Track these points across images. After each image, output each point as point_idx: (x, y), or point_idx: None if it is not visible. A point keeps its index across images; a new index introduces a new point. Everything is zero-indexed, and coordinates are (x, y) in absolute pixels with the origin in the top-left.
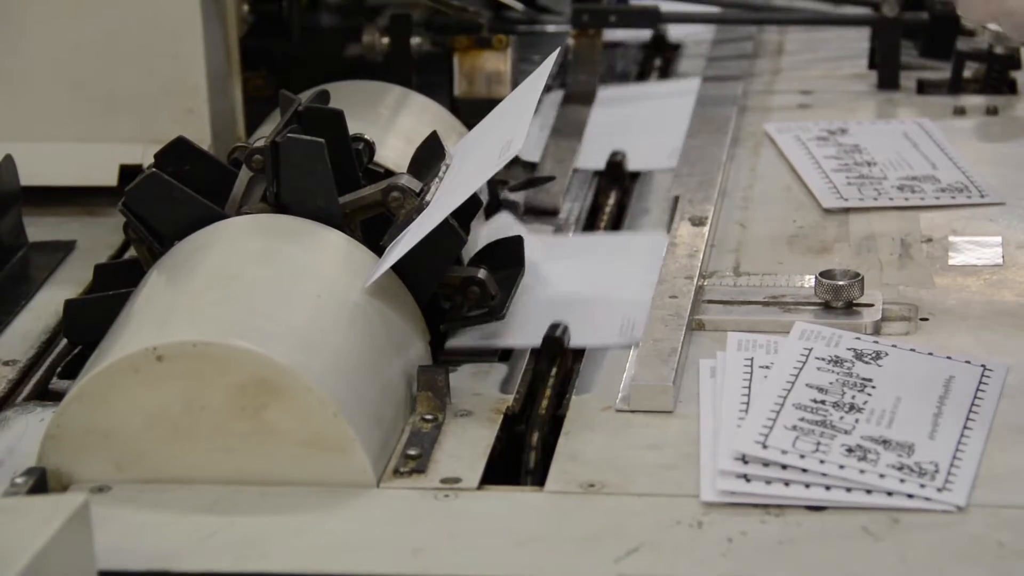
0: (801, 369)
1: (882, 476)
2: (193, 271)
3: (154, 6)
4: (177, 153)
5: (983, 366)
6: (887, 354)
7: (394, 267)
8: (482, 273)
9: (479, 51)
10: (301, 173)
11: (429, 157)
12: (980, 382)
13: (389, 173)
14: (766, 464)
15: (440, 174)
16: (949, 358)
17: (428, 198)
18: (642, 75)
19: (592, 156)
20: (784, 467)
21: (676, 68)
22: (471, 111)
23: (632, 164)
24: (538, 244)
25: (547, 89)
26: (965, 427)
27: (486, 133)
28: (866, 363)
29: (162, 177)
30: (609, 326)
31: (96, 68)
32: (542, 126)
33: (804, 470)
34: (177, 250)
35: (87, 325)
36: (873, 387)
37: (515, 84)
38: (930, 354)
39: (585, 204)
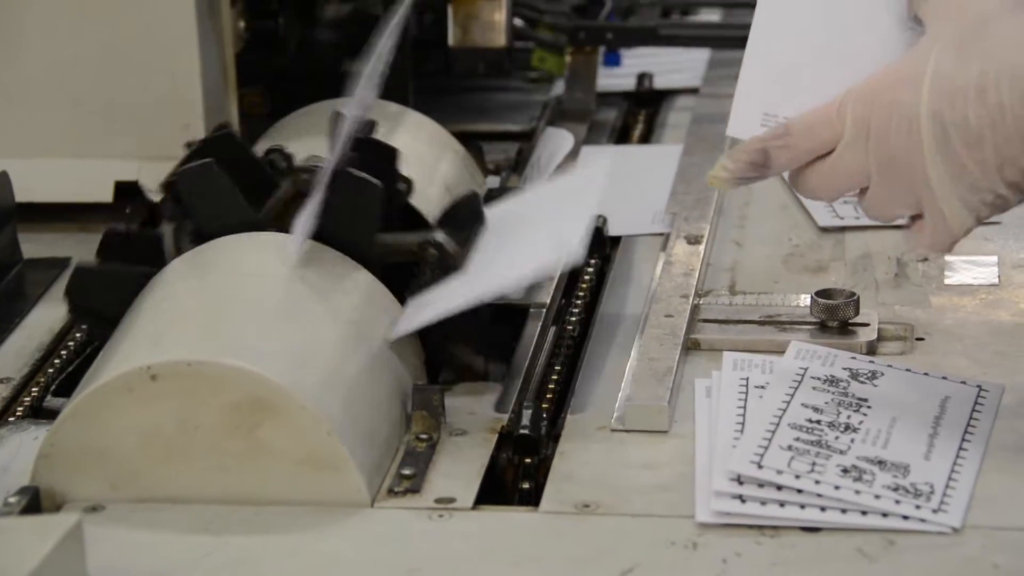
0: (797, 389)
1: (877, 497)
2: (189, 289)
3: (150, 22)
4: (222, 144)
5: (979, 386)
6: (883, 374)
7: (332, 242)
8: (439, 235)
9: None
10: (208, 200)
11: (464, 217)
12: (976, 402)
13: (424, 222)
14: (761, 485)
15: (476, 240)
16: (945, 378)
17: (459, 262)
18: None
19: None
20: (779, 488)
21: (662, 119)
22: (466, 60)
23: (614, 229)
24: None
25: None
26: (961, 448)
27: (528, 210)
28: (861, 383)
29: (218, 171)
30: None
31: (92, 84)
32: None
33: (799, 491)
34: (174, 266)
35: (92, 295)
36: (869, 407)
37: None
38: (926, 374)
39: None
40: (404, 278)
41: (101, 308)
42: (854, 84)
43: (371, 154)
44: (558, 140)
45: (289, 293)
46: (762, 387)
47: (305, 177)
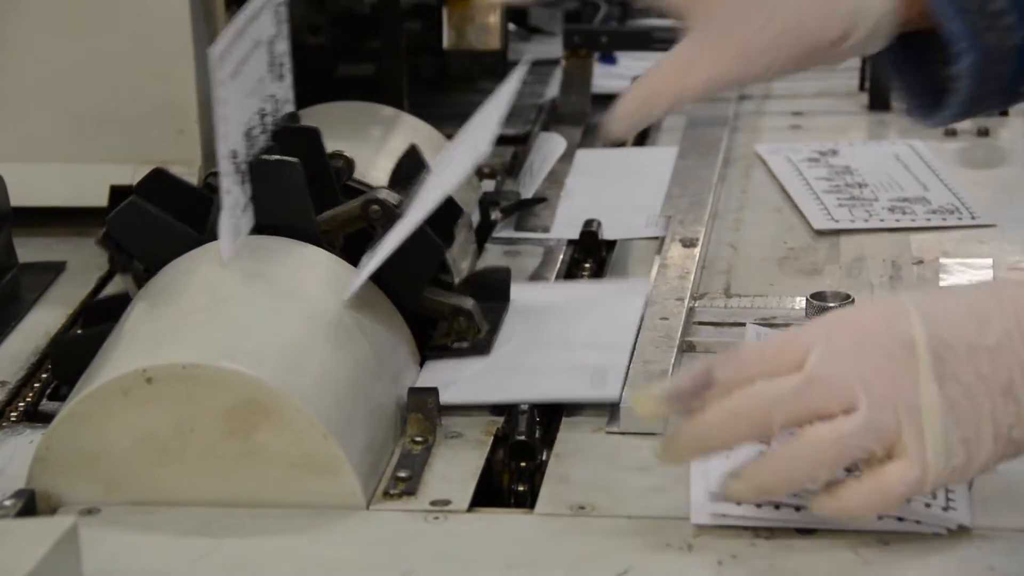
0: None
1: None
2: (180, 294)
3: (145, 27)
4: (156, 183)
5: None
6: None
7: (377, 281)
8: (470, 303)
9: (468, 1)
10: (277, 194)
11: (409, 171)
12: None
13: (370, 189)
14: None
15: (418, 186)
16: None
17: (406, 210)
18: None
19: (566, 225)
20: None
21: (657, 123)
22: (461, 64)
23: (609, 233)
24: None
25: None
26: None
27: (458, 142)
28: None
29: (141, 204)
30: (580, 378)
31: (87, 89)
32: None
33: (807, 489)
34: (163, 274)
35: (75, 363)
36: None
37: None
38: None
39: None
40: (426, 329)
41: (139, 249)
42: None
43: (291, 140)
44: (551, 144)
45: (287, 298)
46: None
47: (376, 209)
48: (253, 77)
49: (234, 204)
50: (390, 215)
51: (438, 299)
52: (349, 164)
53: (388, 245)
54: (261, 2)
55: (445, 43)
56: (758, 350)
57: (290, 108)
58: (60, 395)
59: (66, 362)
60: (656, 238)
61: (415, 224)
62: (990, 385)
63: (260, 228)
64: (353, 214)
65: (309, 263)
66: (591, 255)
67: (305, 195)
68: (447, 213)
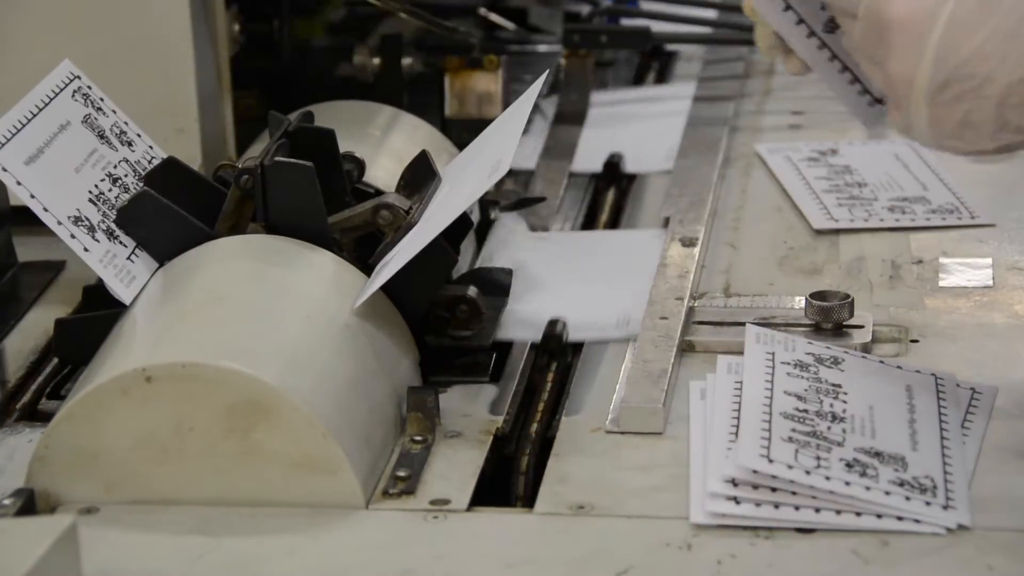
0: (773, 375)
1: (888, 494)
2: (182, 292)
3: (145, 26)
4: (167, 173)
5: (972, 389)
6: (843, 359)
7: (385, 288)
8: (472, 291)
9: (470, 71)
10: (290, 195)
11: (418, 176)
12: (970, 405)
13: (379, 193)
14: (756, 487)
15: (430, 194)
16: (899, 367)
17: (417, 217)
18: (638, 81)
19: (589, 159)
20: (774, 490)
21: (672, 72)
22: (462, 131)
23: (630, 166)
24: (532, 242)
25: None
26: (943, 439)
27: (475, 153)
28: (828, 368)
29: (152, 196)
30: (605, 320)
31: None
32: (534, 146)
33: (810, 486)
34: (166, 270)
35: (78, 344)
36: (845, 393)
37: (506, 104)
38: (881, 362)
39: (583, 207)
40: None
41: (147, 239)
42: None
43: (307, 141)
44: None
45: (286, 297)
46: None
47: (386, 215)
48: (71, 158)
49: (104, 253)
50: (400, 221)
51: (357, 211)
52: (360, 166)
53: (402, 255)
54: (44, 94)
55: (447, 111)
56: None
57: (161, 157)
58: (59, 394)
59: (69, 342)
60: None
61: (431, 236)
62: None
63: (273, 229)
64: (363, 219)
65: (313, 265)
66: (615, 184)
67: (318, 198)
68: (458, 224)
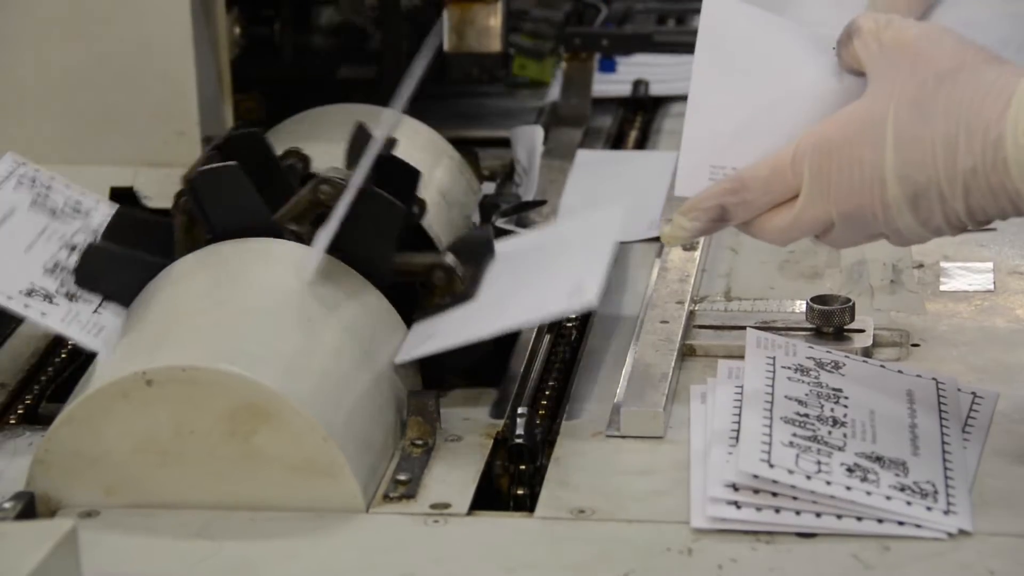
0: (774, 379)
1: (888, 499)
2: (182, 296)
3: (146, 29)
4: (123, 223)
5: (974, 393)
6: (844, 364)
7: (345, 258)
8: (449, 258)
9: (469, 4)
10: (224, 199)
11: (476, 248)
12: (971, 409)
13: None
14: (756, 491)
15: (364, 153)
16: (900, 371)
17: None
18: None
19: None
20: (775, 494)
21: (658, 126)
22: (461, 66)
23: None
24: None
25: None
26: (944, 443)
27: (545, 251)
28: (829, 372)
29: (101, 247)
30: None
31: (87, 90)
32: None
33: (811, 491)
34: (166, 274)
35: (101, 274)
36: (846, 398)
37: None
38: (882, 366)
39: None
40: (405, 298)
41: (109, 290)
42: (803, 132)
43: (394, 173)
44: (528, 137)
45: (286, 300)
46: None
47: (326, 189)
48: (20, 240)
49: (65, 314)
50: (341, 191)
51: (410, 260)
52: (304, 160)
53: (450, 338)
54: None
55: (445, 46)
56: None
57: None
58: (60, 397)
59: (93, 270)
60: (656, 239)
61: (357, 186)
62: None
63: (220, 238)
64: (307, 200)
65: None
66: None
67: (253, 194)
68: (406, 176)
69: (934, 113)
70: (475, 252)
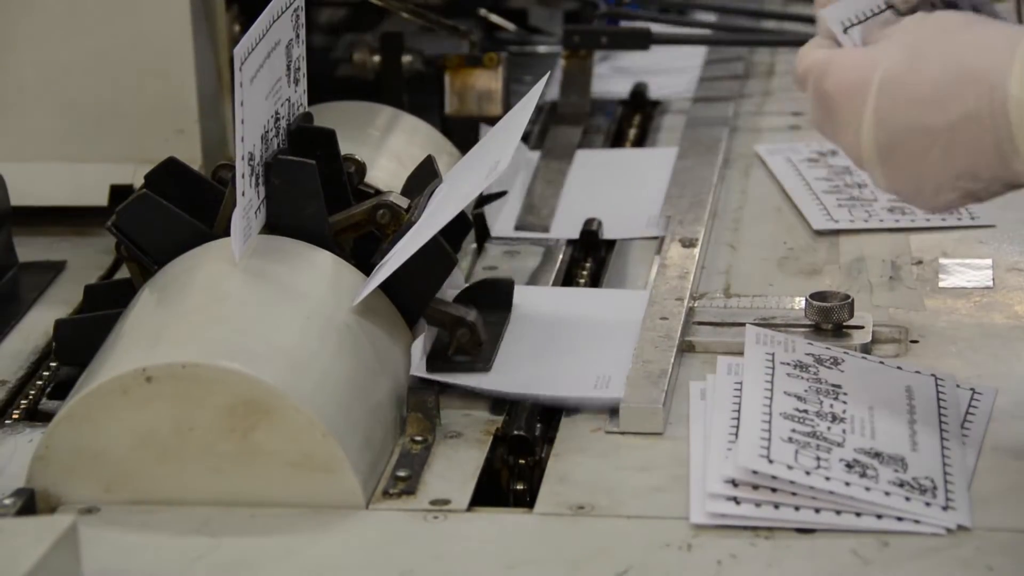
0: (773, 376)
1: (887, 494)
2: (182, 292)
3: (145, 26)
4: (167, 173)
5: (972, 389)
6: (843, 360)
7: (384, 288)
8: (472, 315)
9: (470, 69)
10: (291, 194)
11: (422, 180)
12: (969, 405)
13: (379, 193)
14: (756, 487)
15: (428, 193)
16: (899, 368)
17: (416, 217)
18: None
19: (566, 224)
20: (774, 490)
21: (657, 123)
22: (462, 129)
23: (609, 233)
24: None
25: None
26: (943, 440)
27: (477, 155)
28: (828, 368)
29: (152, 198)
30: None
31: (87, 88)
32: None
33: (810, 487)
34: (166, 270)
35: (78, 345)
36: (845, 394)
37: (506, 103)
38: (881, 362)
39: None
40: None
41: (90, 357)
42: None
43: (306, 141)
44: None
45: (286, 297)
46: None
47: (385, 214)
48: (271, 80)
49: (248, 206)
50: (398, 220)
51: (441, 308)
52: (360, 168)
53: (401, 254)
54: (282, 4)
55: (447, 109)
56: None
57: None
58: (60, 394)
59: (69, 344)
60: (656, 238)
61: (430, 235)
62: None
63: (272, 228)
64: (362, 218)
65: (313, 264)
66: (591, 255)
67: (319, 197)
68: (457, 225)
69: (929, 58)
70: (422, 184)
